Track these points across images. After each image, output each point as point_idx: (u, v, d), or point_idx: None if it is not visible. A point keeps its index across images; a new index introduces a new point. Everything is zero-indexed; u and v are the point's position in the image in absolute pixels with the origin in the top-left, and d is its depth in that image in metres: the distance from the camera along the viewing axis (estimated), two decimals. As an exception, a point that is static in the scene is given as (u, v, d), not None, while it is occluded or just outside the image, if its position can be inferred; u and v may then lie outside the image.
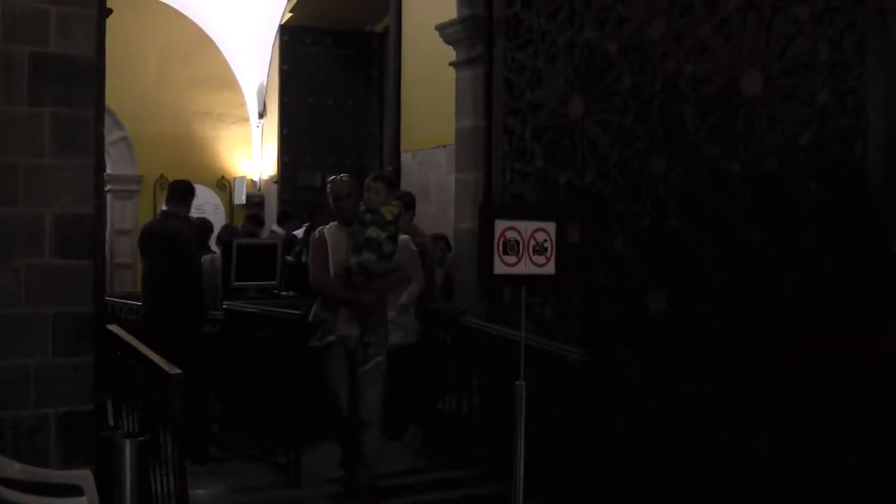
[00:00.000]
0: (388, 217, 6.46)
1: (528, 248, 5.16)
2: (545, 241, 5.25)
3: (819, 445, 5.35)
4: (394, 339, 6.98)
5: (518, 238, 5.24)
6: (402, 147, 10.68)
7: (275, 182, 15.12)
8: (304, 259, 10.72)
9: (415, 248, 7.60)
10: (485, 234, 5.12)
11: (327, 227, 6.61)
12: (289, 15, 14.71)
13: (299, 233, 11.04)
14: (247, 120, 16.43)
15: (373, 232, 6.38)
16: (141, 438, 5.48)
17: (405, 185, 10.58)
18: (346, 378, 6.44)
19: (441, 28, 8.57)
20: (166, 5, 15.66)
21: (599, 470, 6.47)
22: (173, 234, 7.66)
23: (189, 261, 7.71)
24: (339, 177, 6.70)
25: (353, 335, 6.41)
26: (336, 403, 6.48)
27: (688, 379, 6.05)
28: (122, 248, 15.66)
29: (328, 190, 6.67)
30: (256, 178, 16.30)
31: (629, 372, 6.47)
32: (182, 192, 7.91)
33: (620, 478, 6.38)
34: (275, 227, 13.13)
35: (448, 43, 8.50)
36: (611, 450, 6.50)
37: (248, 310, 8.06)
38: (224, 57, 16.27)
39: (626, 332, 6.54)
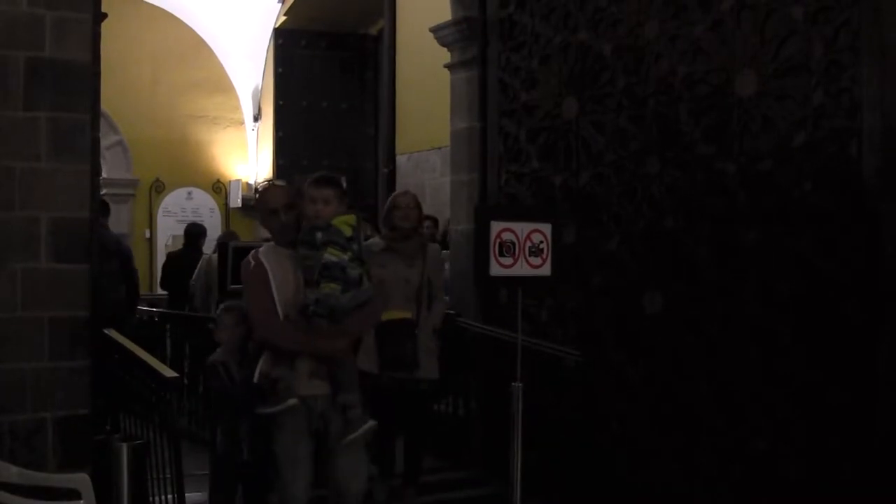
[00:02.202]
0: (348, 232, 4.82)
1: (524, 249, 5.17)
2: (541, 242, 5.26)
3: (816, 447, 5.36)
4: (429, 374, 6.17)
5: (514, 239, 5.25)
6: (398, 149, 10.70)
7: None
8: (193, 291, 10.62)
9: (443, 258, 7.02)
10: (481, 236, 5.13)
11: (261, 250, 4.92)
12: (283, 18, 14.72)
13: None
14: (242, 123, 16.42)
15: (331, 255, 4.75)
16: (138, 442, 5.49)
17: (401, 186, 10.59)
18: (307, 458, 4.86)
19: (435, 30, 8.58)
20: (161, 9, 15.66)
21: (597, 471, 6.48)
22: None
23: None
24: (271, 182, 5.32)
25: (322, 395, 4.81)
26: (288, 493, 4.84)
27: (684, 380, 6.06)
28: (118, 252, 15.63)
29: (257, 200, 5.36)
30: (252, 182, 16.29)
31: (625, 373, 6.47)
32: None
33: (618, 479, 6.39)
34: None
35: (442, 45, 8.51)
36: (608, 451, 6.51)
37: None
38: (219, 60, 16.26)
39: (622, 333, 6.54)
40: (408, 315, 6.12)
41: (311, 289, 4.76)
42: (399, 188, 10.05)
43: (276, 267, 4.80)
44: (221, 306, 5.54)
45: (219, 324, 5.32)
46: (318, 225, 4.82)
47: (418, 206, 6.40)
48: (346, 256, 4.79)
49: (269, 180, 6.09)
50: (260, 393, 4.82)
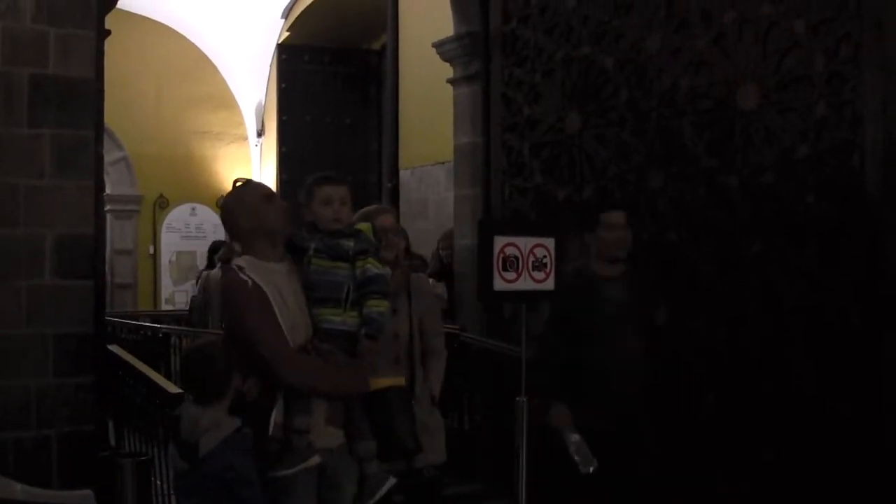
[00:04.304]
0: (373, 239, 4.13)
1: (528, 263, 5.16)
2: (544, 256, 5.24)
3: (823, 456, 5.35)
4: (435, 456, 4.77)
5: (517, 254, 5.23)
6: (401, 164, 10.68)
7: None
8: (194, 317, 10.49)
9: (437, 292, 5.83)
10: (484, 251, 5.12)
11: (242, 266, 3.84)
12: (286, 34, 14.76)
13: None
14: (245, 139, 16.46)
15: (373, 266, 3.98)
16: (142, 458, 5.49)
17: (404, 202, 10.59)
18: None
19: (438, 45, 8.59)
20: (164, 26, 15.71)
21: (601, 485, 6.45)
22: None
23: None
24: (248, 180, 4.14)
25: (337, 446, 3.94)
26: None
27: (689, 391, 6.05)
28: (123, 269, 15.69)
29: (233, 199, 4.02)
30: (256, 197, 16.28)
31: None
32: None
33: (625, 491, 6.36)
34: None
35: (445, 60, 8.53)
36: (614, 463, 6.48)
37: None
38: (222, 76, 16.30)
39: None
40: (399, 381, 4.52)
41: (319, 309, 3.90)
42: (403, 203, 10.04)
43: (268, 286, 3.81)
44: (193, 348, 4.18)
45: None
46: (344, 230, 4.03)
47: (402, 231, 5.11)
48: (388, 268, 4.12)
49: (241, 179, 4.06)
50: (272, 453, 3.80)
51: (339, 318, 3.90)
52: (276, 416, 3.78)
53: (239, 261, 3.89)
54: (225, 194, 4.16)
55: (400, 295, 4.72)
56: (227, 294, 3.87)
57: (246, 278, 3.79)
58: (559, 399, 5.13)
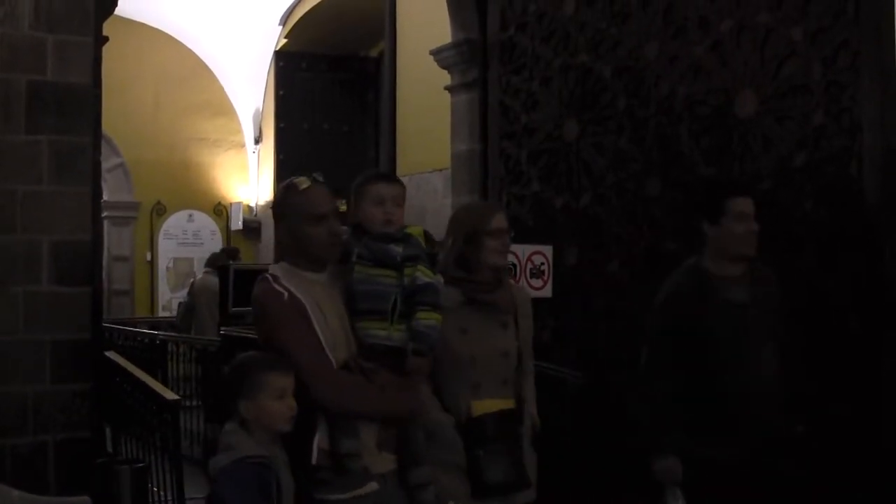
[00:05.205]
0: (425, 246, 3.68)
1: (526, 271, 5.17)
2: (542, 264, 5.26)
3: (823, 460, 5.34)
4: (527, 495, 4.06)
5: (515, 261, 5.26)
6: (399, 171, 10.65)
7: (271, 208, 15.11)
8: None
9: None
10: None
11: (277, 276, 3.47)
12: (284, 41, 14.77)
13: None
14: (243, 145, 16.47)
15: (424, 274, 3.56)
16: (139, 465, 5.49)
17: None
18: None
19: (436, 52, 8.60)
20: (162, 32, 15.72)
21: (605, 494, 6.45)
22: None
23: None
24: (310, 176, 3.60)
25: (390, 472, 3.49)
26: None
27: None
28: (120, 275, 15.69)
29: (287, 202, 3.60)
30: (253, 204, 16.31)
31: (628, 394, 6.45)
32: None
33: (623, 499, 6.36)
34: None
35: (443, 67, 8.53)
36: (615, 472, 6.48)
37: (245, 335, 8.06)
38: (220, 83, 16.31)
39: (625, 355, 6.52)
40: (509, 404, 4.05)
41: (362, 321, 3.50)
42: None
43: (306, 297, 3.42)
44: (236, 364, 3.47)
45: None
46: (393, 234, 3.60)
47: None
48: (440, 277, 3.68)
49: (298, 177, 3.41)
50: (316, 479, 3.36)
51: (385, 332, 3.49)
52: (319, 441, 3.34)
53: (274, 269, 3.52)
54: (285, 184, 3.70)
55: (509, 311, 4.18)
56: (259, 307, 3.46)
57: (281, 289, 3.41)
58: (666, 440, 4.33)
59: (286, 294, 3.38)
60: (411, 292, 3.50)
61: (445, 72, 8.55)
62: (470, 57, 8.12)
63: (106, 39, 6.28)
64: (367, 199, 3.64)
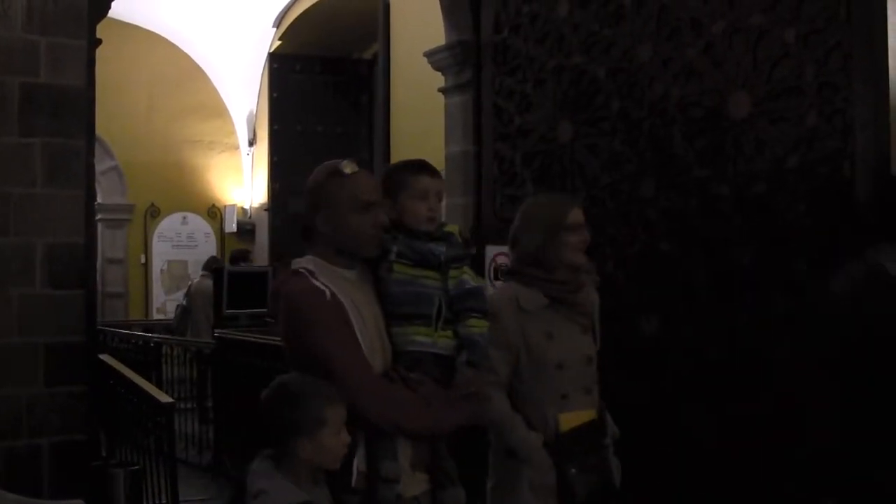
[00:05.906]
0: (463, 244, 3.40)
1: (520, 272, 5.15)
2: (537, 265, 5.24)
3: (815, 464, 5.35)
4: None
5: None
6: (392, 173, 10.69)
7: (266, 210, 15.16)
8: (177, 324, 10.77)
9: None
10: (476, 261, 5.13)
11: (312, 270, 3.08)
12: (278, 43, 14.77)
13: None
14: (237, 148, 16.47)
15: (469, 277, 3.26)
16: (134, 468, 5.48)
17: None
18: None
19: (429, 54, 8.60)
20: (156, 35, 15.72)
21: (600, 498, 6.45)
22: None
23: None
24: (350, 160, 3.26)
25: (423, 494, 3.22)
26: None
27: (682, 401, 6.05)
28: (114, 277, 15.69)
29: (326, 188, 3.20)
30: (247, 206, 16.31)
31: (623, 395, 6.45)
32: None
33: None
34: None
35: (436, 69, 8.53)
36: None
37: (239, 338, 8.06)
38: (214, 85, 16.32)
39: (620, 356, 6.53)
40: (592, 415, 3.91)
41: (403, 327, 3.16)
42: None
43: (345, 297, 3.06)
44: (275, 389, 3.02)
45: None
46: (433, 232, 3.26)
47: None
48: (483, 281, 3.40)
49: (342, 161, 3.09)
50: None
51: (430, 339, 3.15)
52: (358, 463, 3.01)
53: (305, 263, 3.13)
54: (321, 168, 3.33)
55: (589, 314, 4.04)
56: (294, 305, 3.03)
57: (322, 287, 3.02)
58: None
59: (328, 292, 3.01)
60: (458, 296, 3.20)
61: (439, 73, 8.55)
62: (463, 59, 8.12)
63: (99, 42, 6.28)
64: (410, 192, 3.28)
